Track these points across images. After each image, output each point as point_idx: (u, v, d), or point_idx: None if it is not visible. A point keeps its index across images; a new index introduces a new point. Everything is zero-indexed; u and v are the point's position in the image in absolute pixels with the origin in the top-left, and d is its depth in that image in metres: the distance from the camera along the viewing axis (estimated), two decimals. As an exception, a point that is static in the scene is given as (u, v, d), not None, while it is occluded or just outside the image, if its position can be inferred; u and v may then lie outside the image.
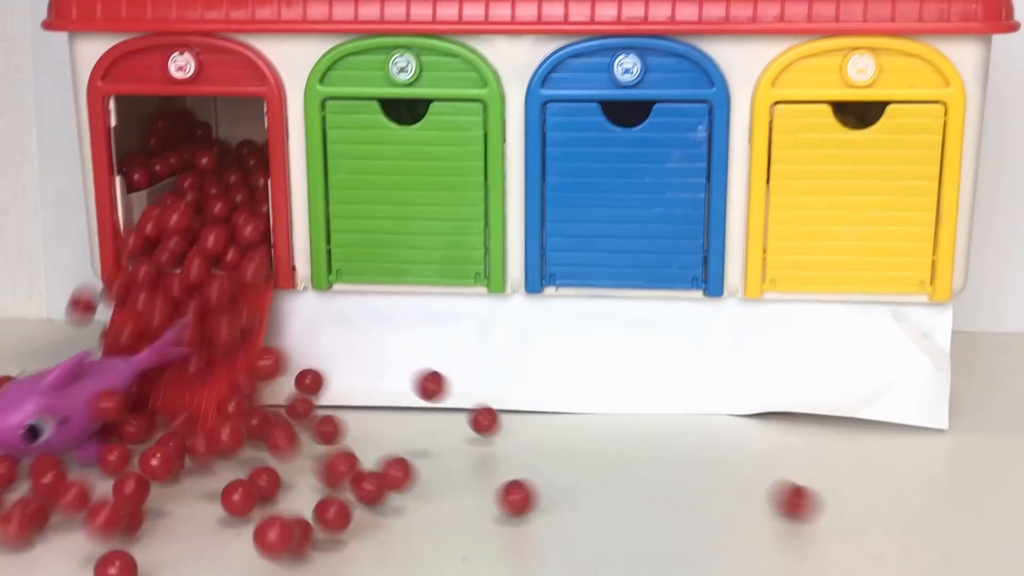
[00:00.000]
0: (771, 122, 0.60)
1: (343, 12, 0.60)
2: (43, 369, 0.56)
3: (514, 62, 0.61)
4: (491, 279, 0.63)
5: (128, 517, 0.51)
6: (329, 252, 0.64)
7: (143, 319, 0.62)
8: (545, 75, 0.60)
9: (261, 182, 0.70)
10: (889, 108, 0.59)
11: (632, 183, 0.61)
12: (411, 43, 0.60)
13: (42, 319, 0.81)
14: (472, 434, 0.61)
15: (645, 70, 0.60)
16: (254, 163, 0.74)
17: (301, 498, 0.55)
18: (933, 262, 0.61)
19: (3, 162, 0.79)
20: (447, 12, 0.60)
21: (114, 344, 0.61)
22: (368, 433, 0.61)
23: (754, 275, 0.62)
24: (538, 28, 0.60)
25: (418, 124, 0.62)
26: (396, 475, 0.54)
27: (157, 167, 0.69)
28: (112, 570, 0.47)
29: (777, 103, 0.60)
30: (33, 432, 0.54)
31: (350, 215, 0.63)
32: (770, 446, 0.61)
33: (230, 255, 0.64)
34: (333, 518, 0.51)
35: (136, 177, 0.67)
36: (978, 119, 0.60)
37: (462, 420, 0.62)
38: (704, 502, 0.55)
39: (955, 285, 0.62)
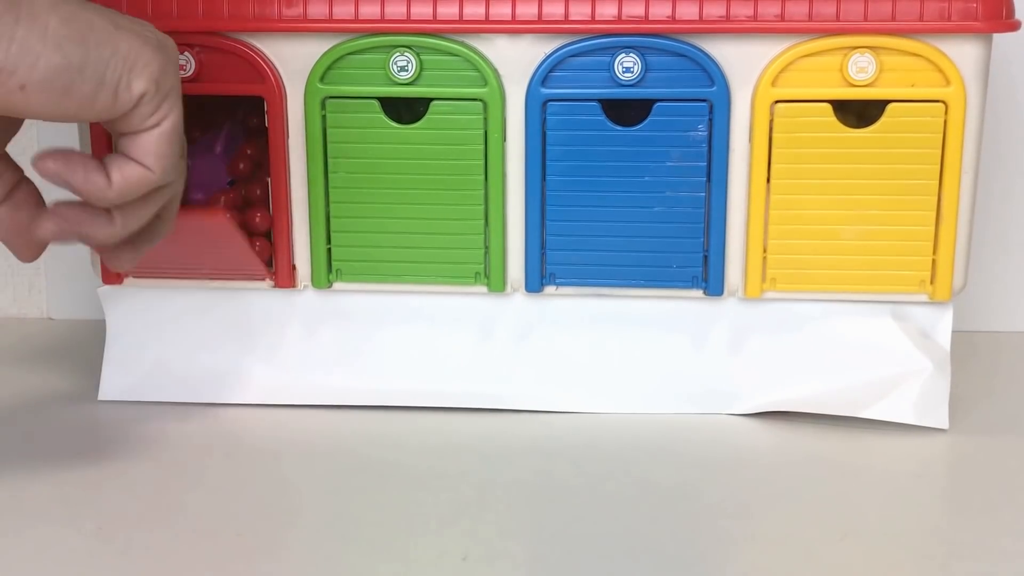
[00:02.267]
0: (771, 121, 0.60)
1: (343, 11, 0.60)
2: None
3: (514, 61, 0.61)
4: (491, 278, 0.63)
5: None
6: (329, 251, 0.64)
7: None
8: (545, 74, 0.60)
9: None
10: (889, 107, 0.59)
11: (632, 182, 0.61)
12: (411, 42, 0.60)
13: (42, 318, 0.81)
14: (475, 434, 0.61)
15: (646, 69, 0.60)
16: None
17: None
18: (933, 261, 0.61)
19: (3, 161, 0.79)
20: (447, 11, 0.60)
21: None
22: (369, 432, 0.61)
23: (754, 274, 0.62)
24: (538, 27, 0.60)
25: (418, 123, 0.61)
26: None
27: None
28: None
29: (777, 102, 0.60)
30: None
31: (350, 214, 0.63)
32: (770, 446, 0.61)
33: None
34: None
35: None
36: (978, 118, 0.60)
37: (462, 419, 0.62)
38: (704, 502, 0.55)
39: (955, 284, 0.62)
